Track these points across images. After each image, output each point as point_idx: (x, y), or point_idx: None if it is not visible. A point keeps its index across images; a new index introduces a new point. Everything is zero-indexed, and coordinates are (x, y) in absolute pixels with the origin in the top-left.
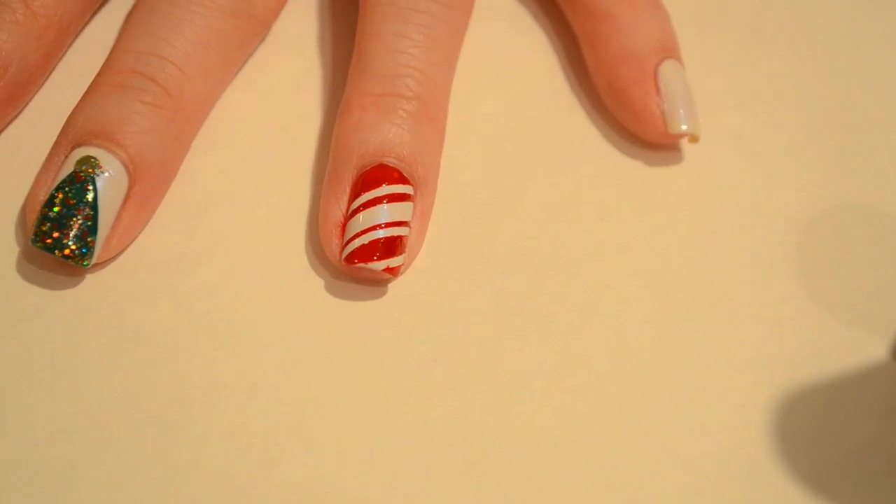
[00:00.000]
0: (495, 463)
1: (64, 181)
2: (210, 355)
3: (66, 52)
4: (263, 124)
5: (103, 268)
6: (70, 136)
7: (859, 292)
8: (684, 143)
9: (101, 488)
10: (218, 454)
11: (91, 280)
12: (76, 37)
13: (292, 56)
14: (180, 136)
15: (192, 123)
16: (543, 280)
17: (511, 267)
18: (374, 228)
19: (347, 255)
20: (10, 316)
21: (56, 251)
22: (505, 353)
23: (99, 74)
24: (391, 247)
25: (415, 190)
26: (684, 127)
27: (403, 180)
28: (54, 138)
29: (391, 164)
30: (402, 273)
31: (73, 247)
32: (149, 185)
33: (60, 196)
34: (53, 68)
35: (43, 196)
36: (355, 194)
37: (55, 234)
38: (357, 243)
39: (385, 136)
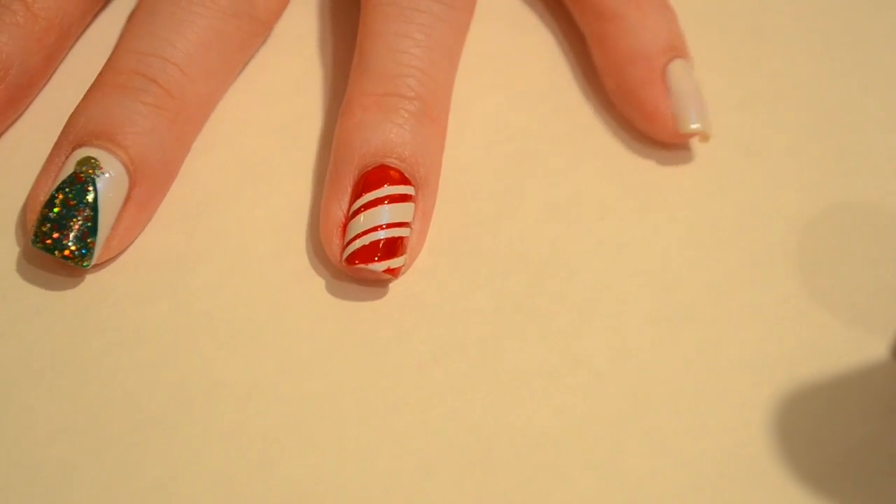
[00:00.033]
0: (495, 462)
1: (64, 182)
2: (210, 355)
3: (67, 53)
4: (264, 124)
5: (103, 268)
6: (71, 136)
7: (859, 292)
8: (690, 143)
9: (101, 488)
10: (218, 454)
11: (91, 280)
12: (78, 38)
13: (293, 56)
14: (181, 137)
15: (193, 124)
16: (543, 280)
17: (511, 266)
18: (375, 229)
19: (348, 256)
20: (10, 315)
21: (56, 252)
22: (505, 353)
23: (100, 75)
24: (392, 248)
25: (416, 191)
26: (694, 126)
27: (405, 181)
28: (55, 139)
29: (392, 165)
30: (402, 274)
31: (73, 247)
32: (149, 186)
33: (61, 197)
34: (54, 71)
35: (43, 196)
36: (356, 195)
37: (55, 235)
38: (358, 244)
39: (386, 136)
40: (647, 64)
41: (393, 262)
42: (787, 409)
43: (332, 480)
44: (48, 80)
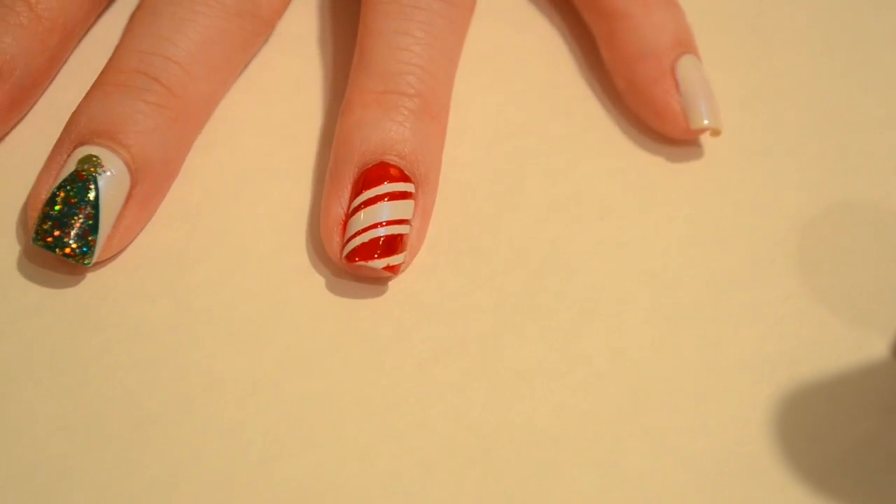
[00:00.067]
0: (495, 461)
1: (66, 180)
2: (210, 353)
3: (70, 54)
4: (264, 123)
5: (103, 265)
6: (73, 135)
7: (860, 290)
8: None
9: (100, 486)
10: (218, 452)
11: (91, 277)
12: (81, 39)
13: (293, 55)
14: (183, 136)
15: (195, 123)
16: (543, 278)
17: (511, 265)
18: (374, 226)
19: (348, 254)
20: (10, 313)
21: (57, 250)
22: (505, 351)
23: (102, 74)
24: (392, 245)
25: (416, 188)
26: (706, 122)
27: (405, 178)
28: (57, 137)
29: (392, 162)
30: (402, 271)
31: (74, 245)
32: (151, 184)
33: (62, 195)
34: (58, 71)
35: (45, 195)
36: (356, 192)
37: (56, 233)
38: (357, 241)
39: (386, 133)
40: (655, 62)
41: (392, 260)
42: (788, 407)
43: (331, 478)
44: (52, 80)
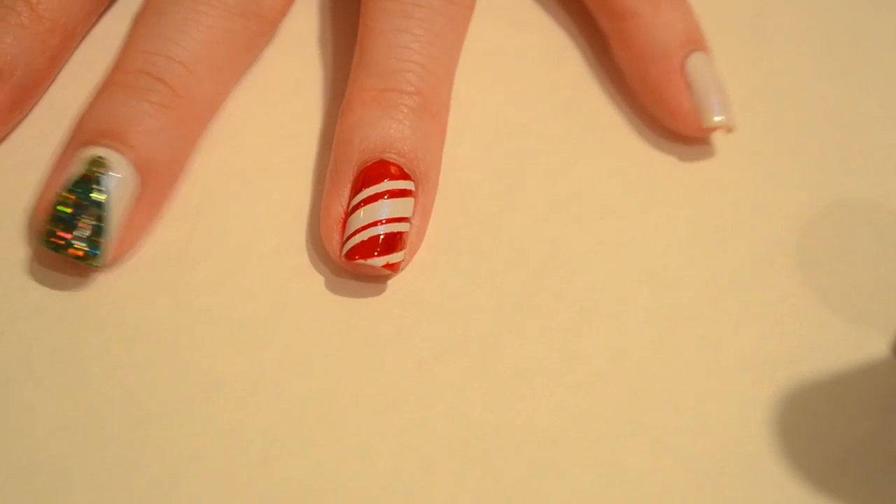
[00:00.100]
0: (495, 460)
1: (73, 182)
2: (210, 352)
3: (72, 54)
4: (264, 123)
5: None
6: (79, 136)
7: (860, 290)
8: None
9: (100, 485)
10: (218, 451)
11: (91, 277)
12: (82, 39)
13: (293, 55)
14: (188, 136)
15: (199, 123)
16: (543, 278)
17: (511, 265)
18: (374, 224)
19: (348, 252)
20: (10, 312)
21: (65, 252)
22: (505, 351)
23: (108, 75)
24: (391, 243)
25: (416, 186)
26: (718, 119)
27: (404, 176)
28: (62, 139)
29: (392, 160)
30: (402, 269)
31: (83, 247)
32: (158, 184)
33: (70, 197)
34: (59, 71)
35: (52, 197)
36: (356, 190)
37: (65, 235)
38: (357, 239)
39: (386, 131)
40: (665, 61)
41: (392, 258)
42: (788, 406)
43: (331, 478)
44: (53, 80)
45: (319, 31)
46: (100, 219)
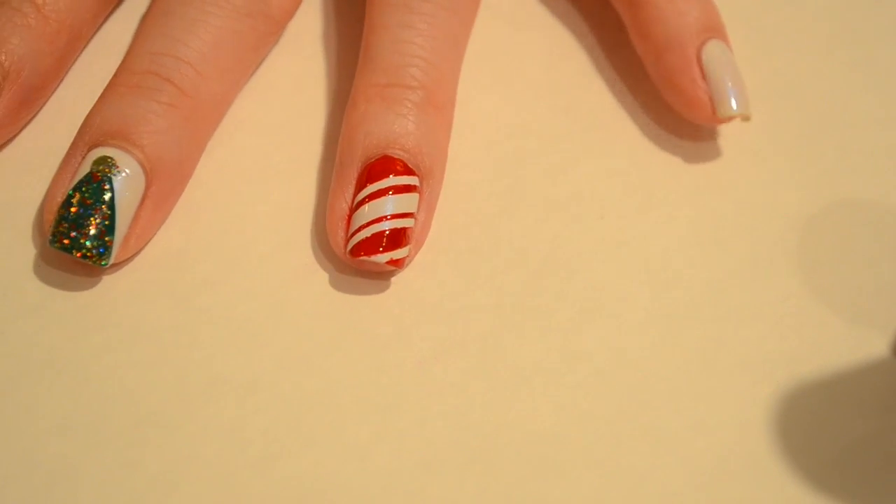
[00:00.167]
0: (495, 460)
1: (81, 181)
2: (210, 351)
3: (79, 55)
4: (265, 121)
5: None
6: (87, 136)
7: (860, 289)
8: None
9: (100, 484)
10: (218, 450)
11: (91, 277)
12: (89, 40)
13: (297, 54)
14: (196, 136)
15: (208, 123)
16: (544, 277)
17: (511, 264)
18: (379, 220)
19: (353, 248)
20: (10, 312)
21: (73, 251)
22: (505, 350)
23: (115, 76)
24: (396, 239)
25: (420, 181)
26: (734, 110)
27: (409, 172)
28: (69, 140)
29: (396, 156)
30: (407, 265)
31: (91, 246)
32: (165, 184)
33: (78, 196)
34: (67, 72)
35: (60, 197)
36: (360, 186)
37: (73, 235)
38: (362, 235)
39: (390, 127)
40: (680, 51)
41: (397, 254)
42: (788, 406)
43: (331, 477)
44: (60, 81)
45: (324, 30)
46: (108, 218)
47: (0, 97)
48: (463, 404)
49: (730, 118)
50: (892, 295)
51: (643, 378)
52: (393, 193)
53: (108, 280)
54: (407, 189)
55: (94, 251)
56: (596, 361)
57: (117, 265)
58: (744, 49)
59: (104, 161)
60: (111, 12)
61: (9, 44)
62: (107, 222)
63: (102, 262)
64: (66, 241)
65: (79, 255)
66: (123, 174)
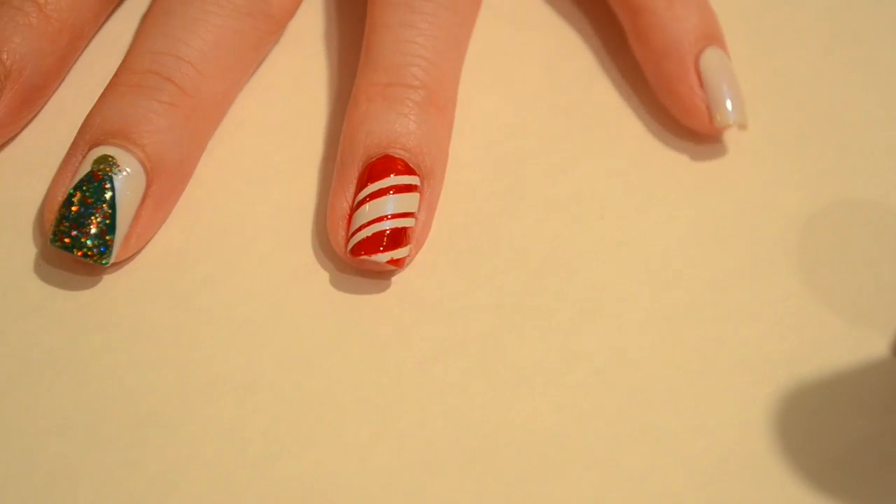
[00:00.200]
0: (495, 460)
1: (82, 180)
2: (210, 351)
3: (80, 55)
4: (265, 121)
5: (118, 266)
6: (87, 136)
7: (860, 289)
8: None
9: (100, 484)
10: (218, 450)
11: (91, 276)
12: (91, 40)
13: (298, 52)
14: (197, 135)
15: (208, 122)
16: (544, 277)
17: (511, 264)
18: (380, 219)
19: (353, 247)
20: (10, 312)
21: (74, 250)
22: (505, 350)
23: (115, 75)
24: (397, 238)
25: (421, 181)
26: (731, 119)
27: (410, 171)
28: (70, 139)
29: (397, 155)
30: (407, 264)
31: (92, 245)
32: (166, 183)
33: (78, 195)
34: (68, 72)
35: (61, 196)
36: (361, 185)
37: (73, 233)
38: (362, 235)
39: (391, 126)
40: (678, 58)
41: (397, 253)
42: (788, 406)
43: (332, 477)
44: (62, 80)
45: (324, 29)
46: (108, 217)
47: (1, 96)
48: (463, 404)
49: (726, 127)
50: (892, 295)
51: (643, 378)
52: (394, 193)
53: (108, 279)
54: (408, 189)
55: (94, 250)
56: (596, 361)
57: (118, 264)
58: (743, 49)
59: (105, 160)
60: (113, 11)
61: (10, 43)
62: (107, 221)
63: (103, 261)
64: (66, 240)
65: (80, 254)
66: (124, 173)
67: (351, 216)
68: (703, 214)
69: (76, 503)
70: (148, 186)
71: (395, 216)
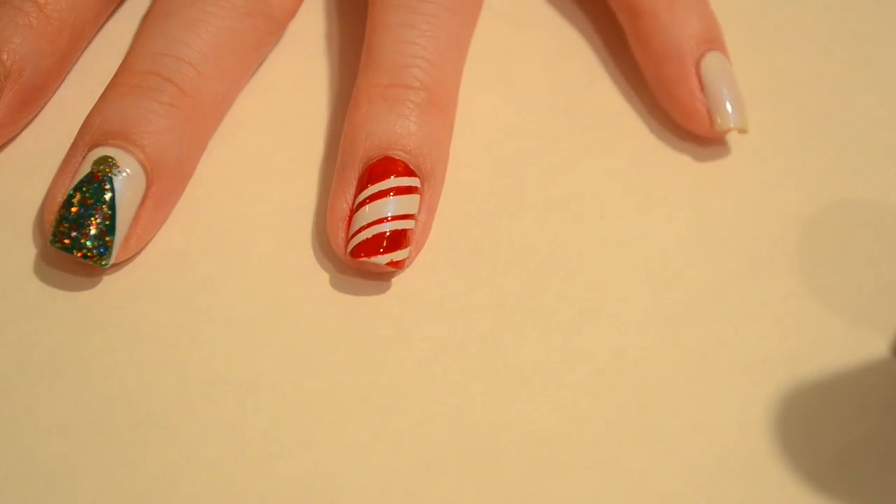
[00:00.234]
0: (495, 460)
1: (82, 181)
2: (210, 351)
3: (81, 55)
4: (266, 121)
5: (118, 267)
6: (87, 136)
7: (860, 289)
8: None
9: (100, 484)
10: (218, 450)
11: (92, 277)
12: (91, 40)
13: (298, 53)
14: (197, 136)
15: (208, 123)
16: (543, 277)
17: (511, 264)
18: (380, 221)
19: (353, 249)
20: (10, 312)
21: (74, 251)
22: (505, 351)
23: (116, 76)
24: (397, 240)
25: (422, 182)
26: (731, 123)
27: (410, 173)
28: (70, 140)
29: (398, 157)
30: (407, 266)
31: (92, 246)
32: (166, 184)
33: (78, 196)
34: (68, 72)
35: (61, 197)
36: (362, 187)
37: (73, 234)
38: (362, 237)
39: (391, 128)
40: (679, 62)
41: (397, 255)
42: (788, 406)
43: (332, 477)
44: (62, 81)
45: (325, 30)
46: (108, 218)
47: (1, 97)
48: (463, 404)
49: (727, 130)
50: (892, 295)
51: (643, 378)
52: (394, 195)
53: (108, 280)
54: (408, 190)
55: (94, 251)
56: (596, 361)
57: (117, 265)
58: (743, 49)
59: (105, 161)
60: (113, 12)
61: (11, 43)
62: (107, 222)
63: (103, 263)
64: (66, 241)
65: (79, 255)
66: (124, 174)
67: (351, 218)
68: (703, 214)
69: (76, 503)
70: (148, 187)
71: (395, 218)
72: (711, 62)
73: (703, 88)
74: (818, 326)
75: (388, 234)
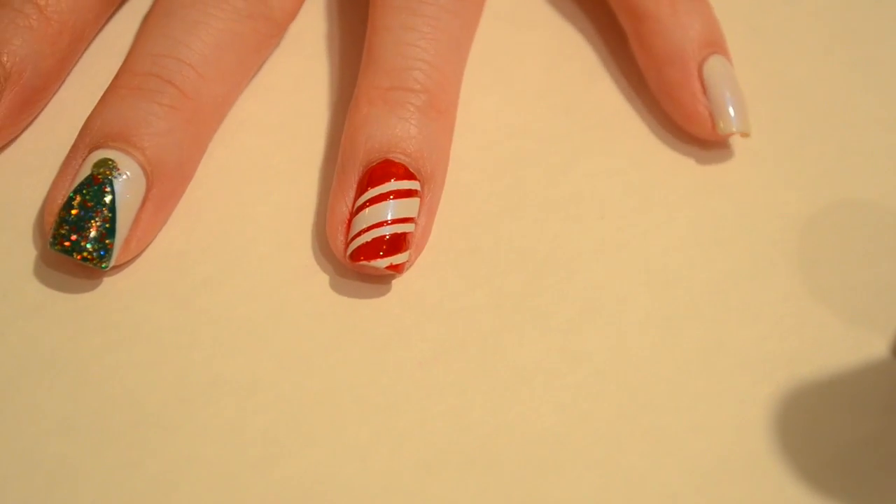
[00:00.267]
0: (495, 460)
1: (82, 184)
2: (210, 352)
3: (81, 56)
4: (266, 122)
5: (119, 269)
6: (87, 139)
7: (860, 290)
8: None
9: (100, 484)
10: (218, 451)
11: (93, 278)
12: (91, 42)
13: (299, 55)
14: (197, 138)
15: (208, 125)
16: (543, 278)
17: (511, 265)
18: (380, 225)
19: (353, 253)
20: (10, 313)
21: (74, 254)
22: (505, 351)
23: (116, 78)
24: (396, 244)
25: (422, 186)
26: (734, 127)
27: (410, 176)
28: (70, 142)
29: (398, 160)
30: (407, 269)
31: (91, 249)
32: (166, 186)
33: (78, 199)
34: (69, 73)
35: (61, 199)
36: (361, 190)
37: (73, 237)
38: (362, 240)
39: (392, 131)
40: (681, 65)
41: (396, 259)
42: (788, 407)
43: (332, 478)
44: (62, 82)
45: (326, 32)
46: (108, 221)
47: (2, 98)
48: (463, 404)
49: (729, 134)
50: (892, 295)
51: (643, 378)
52: (394, 198)
53: (108, 281)
54: (408, 194)
55: (94, 254)
56: (596, 361)
57: (118, 266)
58: (743, 49)
59: (105, 163)
60: (113, 13)
61: (11, 45)
62: (107, 225)
63: (103, 265)
64: (66, 244)
65: (79, 257)
66: (124, 176)
67: (350, 221)
68: (703, 215)
69: (76, 503)
70: (148, 190)
71: (394, 221)
72: (714, 66)
73: (705, 92)
74: (818, 326)
75: (387, 237)
